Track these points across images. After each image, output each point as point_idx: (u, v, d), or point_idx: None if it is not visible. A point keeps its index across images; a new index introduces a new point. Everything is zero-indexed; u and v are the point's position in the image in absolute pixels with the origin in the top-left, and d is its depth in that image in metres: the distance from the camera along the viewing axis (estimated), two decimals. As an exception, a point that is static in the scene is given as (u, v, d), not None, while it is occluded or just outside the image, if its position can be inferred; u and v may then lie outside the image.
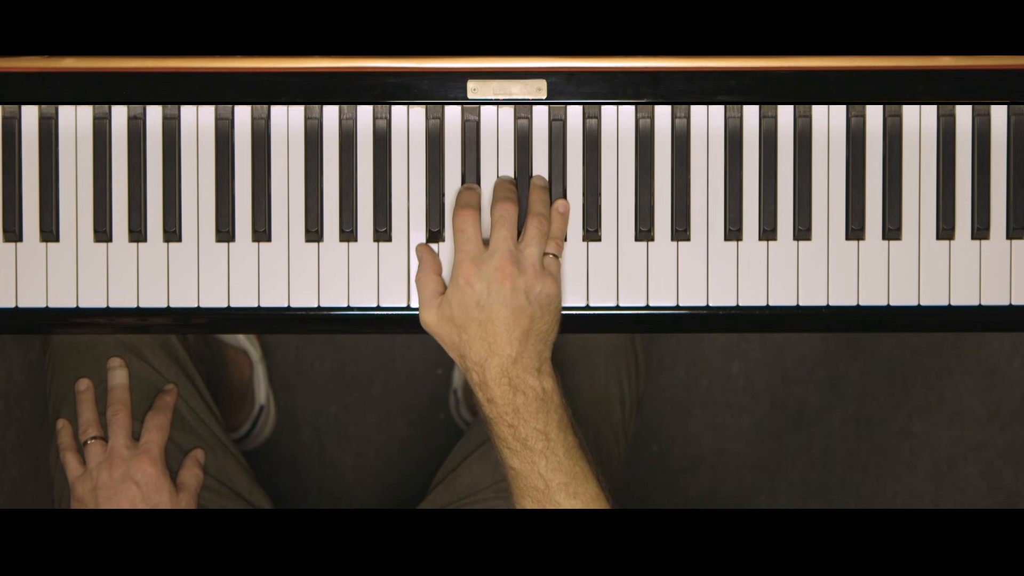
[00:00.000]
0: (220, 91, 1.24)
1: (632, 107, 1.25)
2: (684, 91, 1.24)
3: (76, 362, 1.43)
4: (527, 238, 1.20)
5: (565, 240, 1.24)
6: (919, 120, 1.25)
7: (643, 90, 1.24)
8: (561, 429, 1.18)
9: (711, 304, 1.25)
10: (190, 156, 1.25)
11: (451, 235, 1.24)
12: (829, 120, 1.25)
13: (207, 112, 1.24)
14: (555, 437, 1.18)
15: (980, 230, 1.25)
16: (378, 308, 1.25)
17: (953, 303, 1.25)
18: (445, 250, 1.25)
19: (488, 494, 1.44)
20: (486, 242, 1.21)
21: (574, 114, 1.25)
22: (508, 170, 1.25)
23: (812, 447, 1.99)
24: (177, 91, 1.23)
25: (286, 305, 1.25)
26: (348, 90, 1.24)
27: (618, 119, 1.25)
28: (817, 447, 1.99)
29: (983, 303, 1.25)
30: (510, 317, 1.17)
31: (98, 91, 1.23)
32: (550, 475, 1.18)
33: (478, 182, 1.25)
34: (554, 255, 1.21)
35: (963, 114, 1.25)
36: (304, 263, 1.25)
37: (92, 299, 1.25)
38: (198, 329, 1.30)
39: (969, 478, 2.00)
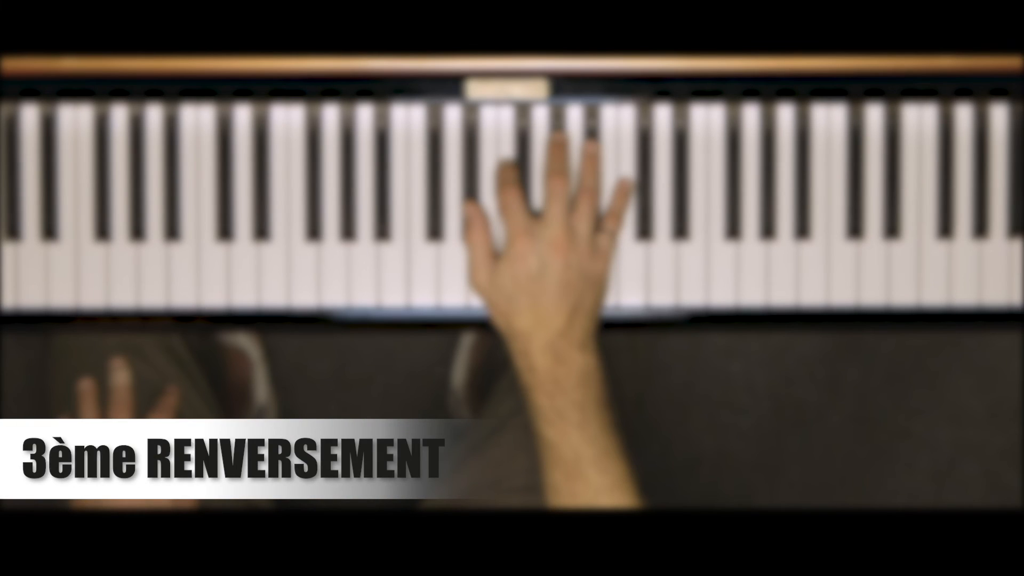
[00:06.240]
0: (220, 91, 1.24)
1: (632, 107, 1.25)
2: (684, 91, 1.24)
3: (77, 362, 1.43)
4: (578, 214, 1.20)
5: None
6: (919, 120, 1.25)
7: (643, 90, 1.24)
8: (598, 405, 1.19)
9: (711, 304, 1.26)
10: (190, 156, 1.25)
11: (451, 235, 1.25)
12: (829, 120, 1.25)
13: (207, 112, 1.24)
14: (591, 412, 1.19)
15: (980, 230, 1.25)
16: (378, 308, 1.25)
17: (953, 303, 1.25)
18: (445, 250, 1.25)
19: (488, 493, 1.44)
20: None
21: (574, 114, 1.25)
22: (508, 170, 1.25)
23: (812, 447, 1.99)
24: (177, 91, 1.23)
25: (286, 305, 1.25)
26: (348, 90, 1.24)
27: (618, 119, 1.25)
28: (817, 447, 1.99)
29: (983, 303, 1.25)
30: (560, 291, 1.18)
31: (98, 91, 1.23)
32: (583, 448, 1.18)
33: (478, 182, 1.25)
34: (610, 232, 1.22)
35: (963, 114, 1.25)
36: (304, 263, 1.25)
37: (92, 299, 1.25)
38: (198, 329, 1.30)
39: (969, 478, 2.00)
